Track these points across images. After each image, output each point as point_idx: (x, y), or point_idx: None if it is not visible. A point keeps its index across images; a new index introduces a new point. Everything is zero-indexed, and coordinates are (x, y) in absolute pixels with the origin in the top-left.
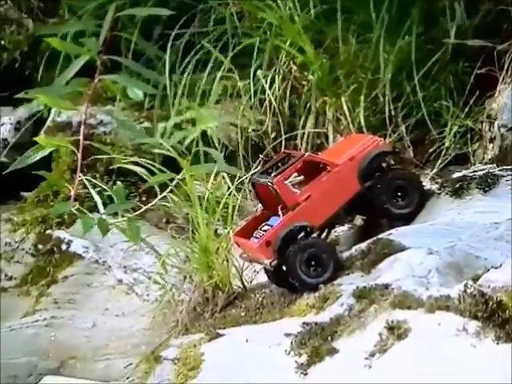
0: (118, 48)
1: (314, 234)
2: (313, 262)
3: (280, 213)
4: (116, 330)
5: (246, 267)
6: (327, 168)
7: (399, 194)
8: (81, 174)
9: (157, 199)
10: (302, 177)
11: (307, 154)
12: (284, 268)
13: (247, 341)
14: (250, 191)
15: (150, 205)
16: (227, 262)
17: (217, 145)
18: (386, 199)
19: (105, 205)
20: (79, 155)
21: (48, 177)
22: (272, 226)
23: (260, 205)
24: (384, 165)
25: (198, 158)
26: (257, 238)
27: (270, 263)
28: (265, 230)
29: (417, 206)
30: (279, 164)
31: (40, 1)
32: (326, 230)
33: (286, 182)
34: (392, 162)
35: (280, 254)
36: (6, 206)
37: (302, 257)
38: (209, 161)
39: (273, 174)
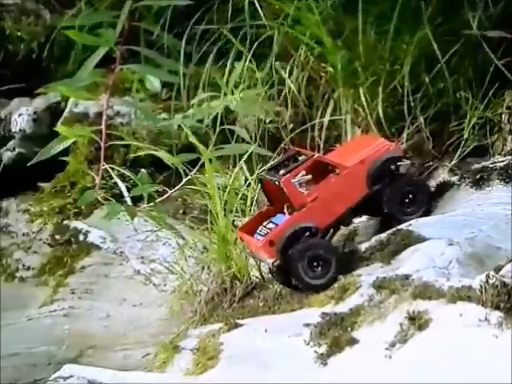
0: (137, 39)
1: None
2: (315, 263)
3: (286, 211)
4: (134, 320)
5: None
6: (336, 170)
7: (407, 200)
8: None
9: (183, 182)
10: (309, 176)
11: (317, 154)
12: None
13: (266, 331)
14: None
15: (174, 189)
16: (245, 252)
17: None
18: (393, 205)
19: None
20: (102, 144)
21: (70, 163)
22: (277, 224)
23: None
24: (393, 167)
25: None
26: (260, 234)
27: (273, 263)
28: (269, 228)
29: (424, 213)
30: (287, 161)
31: None
32: (331, 231)
33: (293, 180)
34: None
35: (283, 254)
36: (23, 197)
37: (304, 258)
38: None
39: (281, 173)
